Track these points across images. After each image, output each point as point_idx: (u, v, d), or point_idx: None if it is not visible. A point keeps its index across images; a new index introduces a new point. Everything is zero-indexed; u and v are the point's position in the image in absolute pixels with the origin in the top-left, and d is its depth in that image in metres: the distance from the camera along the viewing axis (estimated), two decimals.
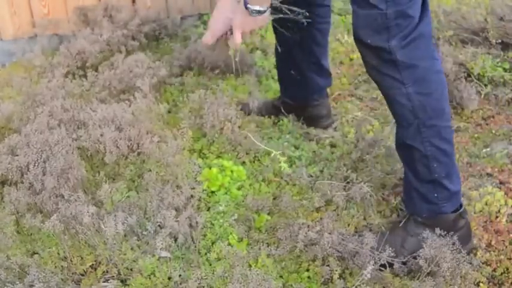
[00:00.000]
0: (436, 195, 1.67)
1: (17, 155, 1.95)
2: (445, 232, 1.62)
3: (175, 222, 1.73)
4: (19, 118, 2.26)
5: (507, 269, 1.70)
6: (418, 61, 1.57)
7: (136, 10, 3.11)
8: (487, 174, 2.11)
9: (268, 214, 1.90)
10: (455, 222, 1.70)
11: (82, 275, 1.68)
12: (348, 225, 1.85)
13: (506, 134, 2.35)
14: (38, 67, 2.81)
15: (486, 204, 1.92)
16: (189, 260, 1.72)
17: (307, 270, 1.68)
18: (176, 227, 1.73)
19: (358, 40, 1.60)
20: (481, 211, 1.91)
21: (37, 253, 1.73)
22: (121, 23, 2.96)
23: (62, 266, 1.67)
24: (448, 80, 2.48)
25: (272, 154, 2.08)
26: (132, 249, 1.70)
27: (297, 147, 2.26)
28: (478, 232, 1.82)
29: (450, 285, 1.60)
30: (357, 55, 3.02)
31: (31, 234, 1.80)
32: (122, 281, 1.66)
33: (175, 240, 1.75)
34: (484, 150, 2.26)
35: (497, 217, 1.89)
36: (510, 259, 1.73)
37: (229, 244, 1.76)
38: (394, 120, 1.73)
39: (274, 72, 2.68)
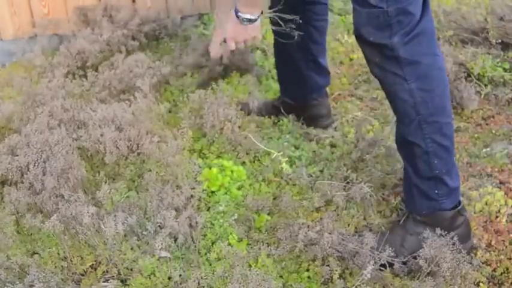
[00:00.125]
0: (436, 191, 1.67)
1: (17, 155, 1.95)
2: (444, 230, 1.62)
3: (175, 222, 1.73)
4: (19, 118, 2.26)
5: (507, 269, 1.70)
6: (420, 57, 1.57)
7: (136, 10, 3.11)
8: (487, 174, 2.11)
9: (268, 214, 1.90)
10: (453, 219, 1.70)
11: (82, 275, 1.68)
12: (348, 225, 1.85)
13: (506, 134, 2.35)
14: (38, 67, 2.81)
15: (486, 204, 1.92)
16: (189, 260, 1.72)
17: (307, 270, 1.68)
18: (176, 227, 1.73)
19: (360, 38, 1.61)
20: (481, 211, 1.91)
21: (37, 253, 1.73)
22: (121, 23, 2.96)
23: (62, 266, 1.67)
24: (448, 80, 2.49)
25: (274, 155, 2.09)
26: (132, 249, 1.70)
27: (297, 147, 2.26)
28: (478, 232, 1.82)
29: (450, 285, 1.60)
30: (357, 55, 3.02)
31: (31, 234, 1.80)
32: (122, 281, 1.66)
33: (175, 240, 1.75)
34: (484, 150, 2.26)
35: (497, 217, 1.89)
36: (510, 259, 1.73)
37: (229, 244, 1.76)
38: (394, 120, 1.74)
39: (274, 72, 2.68)
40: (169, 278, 1.64)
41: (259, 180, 2.06)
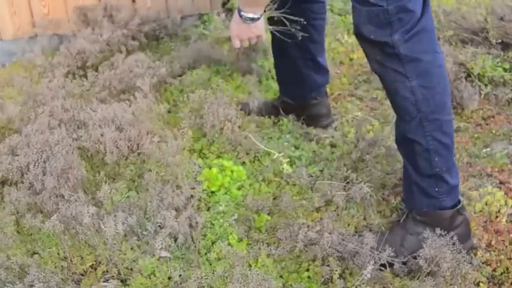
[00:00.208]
0: (436, 189, 1.67)
1: (18, 155, 1.95)
2: (444, 230, 1.63)
3: (175, 222, 1.73)
4: (20, 118, 2.26)
5: (507, 269, 1.70)
6: (421, 55, 1.58)
7: (136, 10, 3.11)
8: (487, 174, 2.11)
9: (268, 214, 1.90)
10: (453, 219, 1.70)
11: (82, 275, 1.68)
12: (348, 225, 1.85)
13: (506, 134, 2.35)
14: (38, 67, 2.81)
15: (486, 204, 1.92)
16: (189, 260, 1.72)
17: (307, 270, 1.68)
18: (176, 227, 1.73)
19: (360, 36, 1.62)
20: (481, 211, 1.91)
21: (37, 253, 1.73)
22: (121, 22, 2.96)
23: (62, 266, 1.67)
24: (448, 80, 2.49)
25: (275, 156, 2.09)
26: (132, 249, 1.70)
27: (297, 147, 2.26)
28: (478, 232, 1.82)
29: (450, 285, 1.60)
30: (356, 55, 3.02)
31: (31, 234, 1.80)
32: (122, 281, 1.66)
33: (175, 240, 1.75)
34: (484, 150, 2.26)
35: (497, 217, 1.89)
36: (510, 259, 1.73)
37: (229, 244, 1.76)
38: (394, 120, 1.74)
39: (274, 72, 2.68)
40: (169, 278, 1.64)
41: (259, 180, 2.06)
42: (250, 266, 1.67)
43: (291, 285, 1.65)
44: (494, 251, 1.76)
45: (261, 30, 1.94)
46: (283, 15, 1.99)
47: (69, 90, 2.49)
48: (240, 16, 1.84)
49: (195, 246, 1.75)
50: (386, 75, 1.64)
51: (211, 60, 2.88)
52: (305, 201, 1.94)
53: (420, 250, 1.60)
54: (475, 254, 1.73)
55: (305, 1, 2.12)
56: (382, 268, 1.64)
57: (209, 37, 3.11)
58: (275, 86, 2.66)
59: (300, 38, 2.05)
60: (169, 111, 2.46)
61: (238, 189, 2.01)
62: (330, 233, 1.69)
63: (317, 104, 2.36)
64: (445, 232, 1.62)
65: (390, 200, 1.96)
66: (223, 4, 3.43)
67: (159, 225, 1.76)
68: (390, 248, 1.60)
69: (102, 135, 2.02)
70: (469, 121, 2.46)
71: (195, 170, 2.04)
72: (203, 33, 3.17)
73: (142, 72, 2.54)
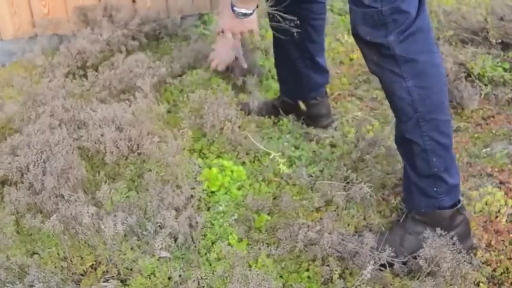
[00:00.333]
0: (435, 189, 1.67)
1: (18, 155, 1.95)
2: (443, 229, 1.63)
3: (175, 222, 1.73)
4: (20, 118, 2.26)
5: (507, 269, 1.70)
6: (417, 55, 1.58)
7: (136, 10, 3.11)
8: (487, 174, 2.11)
9: (268, 214, 1.90)
10: (452, 218, 1.70)
11: (82, 275, 1.68)
12: (348, 225, 1.85)
13: (506, 134, 2.35)
14: (38, 67, 2.81)
15: (486, 204, 1.92)
16: (189, 260, 1.72)
17: (307, 270, 1.68)
18: (176, 227, 1.73)
19: (357, 37, 1.63)
20: (481, 211, 1.91)
21: (37, 253, 1.73)
22: (121, 22, 2.96)
23: (62, 266, 1.67)
24: (448, 80, 2.49)
25: (271, 155, 2.09)
26: (132, 249, 1.70)
27: (297, 147, 2.26)
28: (478, 232, 1.82)
29: (450, 285, 1.60)
30: (356, 55, 3.02)
31: (31, 234, 1.80)
32: (122, 281, 1.66)
33: (175, 240, 1.75)
34: (484, 150, 2.26)
35: (497, 217, 1.89)
36: (510, 259, 1.73)
37: (229, 244, 1.76)
38: (394, 120, 1.74)
39: (274, 72, 2.68)
40: (169, 278, 1.64)
41: (259, 180, 2.06)
42: (250, 266, 1.67)
43: (291, 285, 1.65)
44: (494, 251, 1.76)
45: (254, 25, 1.94)
46: (277, 12, 1.99)
47: (69, 90, 2.49)
48: (233, 11, 1.85)
49: (195, 246, 1.75)
50: (383, 76, 1.65)
51: (211, 60, 2.88)
52: (305, 201, 1.94)
53: (420, 250, 1.60)
54: (475, 254, 1.73)
55: (304, 1, 2.12)
56: (382, 268, 1.64)
57: (209, 37, 3.11)
58: (275, 86, 2.66)
59: (295, 35, 2.05)
60: (169, 111, 2.46)
61: (238, 189, 2.01)
62: (330, 233, 1.69)
63: (317, 104, 2.36)
64: (445, 232, 1.62)
65: (390, 200, 1.96)
66: None
67: (159, 225, 1.76)
68: (390, 248, 1.60)
69: (102, 135, 2.02)
70: (469, 121, 2.46)
71: (195, 170, 2.04)
72: (203, 33, 3.17)
73: (142, 72, 2.54)
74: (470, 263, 1.65)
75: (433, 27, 3.01)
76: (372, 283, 1.61)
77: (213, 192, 2.00)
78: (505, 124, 2.42)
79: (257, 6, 1.86)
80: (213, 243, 1.79)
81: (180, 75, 2.77)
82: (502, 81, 2.61)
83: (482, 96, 2.56)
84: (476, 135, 2.37)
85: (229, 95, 2.42)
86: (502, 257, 1.74)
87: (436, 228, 1.65)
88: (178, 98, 2.56)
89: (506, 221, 1.88)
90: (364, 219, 1.89)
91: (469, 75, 2.60)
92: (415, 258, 1.64)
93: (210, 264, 1.70)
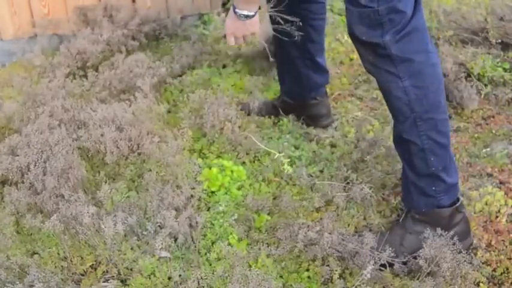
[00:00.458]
0: (434, 188, 1.68)
1: (18, 155, 1.95)
2: (443, 228, 1.63)
3: (175, 222, 1.73)
4: (20, 118, 2.26)
5: (507, 269, 1.70)
6: (413, 55, 1.58)
7: (136, 10, 3.11)
8: (487, 174, 2.11)
9: (268, 214, 1.90)
10: (452, 217, 1.71)
11: (82, 275, 1.68)
12: (348, 225, 1.85)
13: (506, 134, 2.35)
14: (38, 67, 2.81)
15: (486, 204, 1.92)
16: (189, 260, 1.72)
17: (307, 270, 1.68)
18: (176, 227, 1.73)
19: (353, 37, 1.63)
20: (481, 211, 1.91)
21: (37, 253, 1.73)
22: (121, 22, 2.96)
23: (62, 266, 1.67)
24: (448, 80, 2.49)
25: (276, 156, 2.08)
26: (132, 249, 1.70)
27: (297, 147, 2.26)
28: (478, 232, 1.82)
29: (450, 285, 1.60)
30: (356, 55, 3.01)
31: (31, 234, 1.80)
32: (122, 281, 1.66)
33: (175, 240, 1.75)
34: (484, 150, 2.26)
35: (497, 217, 1.89)
36: (510, 259, 1.73)
37: (229, 244, 1.76)
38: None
39: (274, 72, 2.68)
40: (169, 278, 1.64)
41: (259, 180, 2.06)
42: (250, 266, 1.67)
43: (291, 285, 1.65)
44: (494, 251, 1.76)
45: (256, 28, 1.94)
46: (279, 14, 1.99)
47: (69, 90, 2.49)
48: (235, 13, 1.85)
49: (195, 246, 1.75)
50: (380, 76, 1.65)
51: (211, 60, 2.88)
52: (305, 201, 1.94)
53: (420, 250, 1.60)
54: (475, 254, 1.73)
55: (304, 1, 2.12)
56: (382, 268, 1.65)
57: (209, 37, 3.12)
58: (275, 86, 2.66)
59: (297, 37, 2.05)
60: (169, 111, 2.46)
61: (238, 189, 2.01)
62: (330, 233, 1.69)
63: (317, 104, 2.36)
64: (445, 230, 1.63)
65: (390, 200, 1.96)
66: (223, 4, 3.42)
67: (159, 225, 1.76)
68: (390, 248, 1.60)
69: (102, 135, 2.02)
70: (469, 121, 2.46)
71: (195, 170, 2.04)
72: (203, 33, 3.17)
73: (142, 72, 2.54)
74: (470, 263, 1.65)
75: (433, 27, 3.02)
76: (372, 283, 1.61)
77: (213, 192, 2.00)
78: (505, 124, 2.42)
79: (259, 8, 1.86)
80: (213, 243, 1.79)
81: (180, 75, 2.77)
82: (502, 81, 2.61)
83: (482, 96, 2.56)
84: (476, 135, 2.37)
85: (229, 95, 2.41)
86: (502, 257, 1.74)
87: (435, 227, 1.65)
88: (178, 98, 2.56)
89: (506, 221, 1.88)
90: (364, 219, 1.89)
91: (469, 75, 2.60)
92: (415, 258, 1.64)
93: (210, 264, 1.70)
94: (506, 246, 1.78)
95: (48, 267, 1.64)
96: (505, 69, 2.63)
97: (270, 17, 2.08)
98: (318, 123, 2.38)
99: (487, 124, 2.44)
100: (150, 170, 1.98)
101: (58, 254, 1.70)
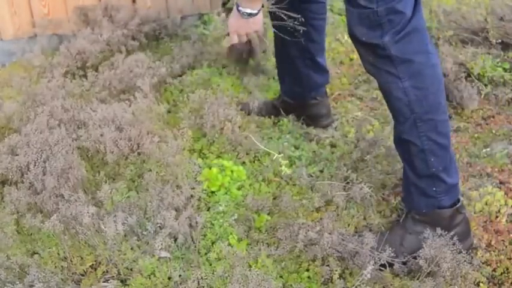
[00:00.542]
0: (434, 189, 1.68)
1: (17, 155, 1.95)
2: (443, 229, 1.63)
3: (175, 222, 1.73)
4: (19, 118, 2.26)
5: (507, 269, 1.70)
6: (412, 55, 1.58)
7: (136, 10, 3.11)
8: (487, 174, 2.11)
9: (268, 214, 1.90)
10: (452, 217, 1.71)
11: (82, 275, 1.68)
12: (348, 225, 1.85)
13: (506, 134, 2.35)
14: (38, 67, 2.81)
15: (486, 204, 1.92)
16: (189, 260, 1.72)
17: (307, 270, 1.68)
18: (176, 227, 1.73)
19: (353, 37, 1.63)
20: (481, 211, 1.91)
21: (37, 253, 1.73)
22: (121, 22, 2.96)
23: (62, 266, 1.67)
24: (448, 80, 2.49)
25: (274, 157, 2.08)
26: (132, 249, 1.70)
27: (297, 147, 2.26)
28: (478, 232, 1.82)
29: (450, 285, 1.60)
30: (357, 55, 3.01)
31: (31, 234, 1.80)
32: (122, 281, 1.66)
33: (175, 240, 1.75)
34: (484, 150, 2.26)
35: (497, 217, 1.89)
36: (510, 259, 1.73)
37: (229, 244, 1.76)
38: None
39: (275, 72, 2.68)
40: (169, 278, 1.64)
41: (259, 180, 2.06)
42: (250, 266, 1.67)
43: (291, 285, 1.65)
44: (494, 251, 1.76)
45: (259, 26, 1.94)
46: (282, 11, 1.98)
47: (69, 90, 2.49)
48: (238, 11, 1.85)
49: (195, 246, 1.75)
50: (380, 77, 1.65)
51: (211, 60, 2.88)
52: (305, 201, 1.94)
53: (420, 250, 1.60)
54: (475, 254, 1.73)
55: (304, 1, 2.12)
56: (382, 268, 1.64)
57: (209, 37, 3.11)
58: (275, 86, 2.66)
59: (301, 35, 2.05)
60: (169, 111, 2.46)
61: (238, 189, 2.01)
62: (330, 233, 1.69)
63: (317, 104, 2.36)
64: (445, 231, 1.63)
65: (390, 200, 1.96)
66: (223, 4, 3.43)
67: (159, 225, 1.76)
68: (390, 248, 1.60)
69: (102, 135, 2.02)
70: (469, 121, 2.46)
71: (195, 170, 2.04)
72: (203, 33, 3.17)
73: (142, 72, 2.54)
74: (470, 263, 1.65)
75: (433, 27, 3.02)
76: (372, 283, 1.61)
77: (213, 192, 2.00)
78: (505, 124, 2.42)
79: (262, 6, 1.86)
80: (213, 243, 1.79)
81: (180, 75, 2.77)
82: (502, 81, 2.61)
83: (482, 96, 2.56)
84: (476, 135, 2.37)
85: (229, 95, 2.41)
86: (502, 257, 1.74)
87: (436, 227, 1.65)
88: (178, 98, 2.56)
89: (506, 221, 1.88)
90: (364, 219, 1.89)
91: (469, 75, 2.60)
92: (415, 258, 1.64)
93: (210, 264, 1.70)
94: (506, 246, 1.78)
95: (48, 267, 1.64)
96: (505, 69, 2.63)
97: (271, 13, 2.08)
98: (318, 123, 2.38)
99: (487, 124, 2.44)
100: (150, 170, 1.98)
101: (58, 254, 1.70)
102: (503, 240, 1.80)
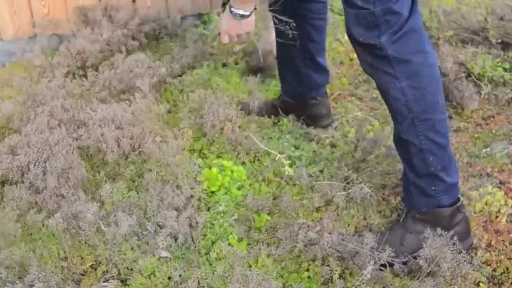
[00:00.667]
0: (433, 188, 1.68)
1: (18, 155, 1.95)
2: (443, 228, 1.63)
3: (175, 222, 1.73)
4: (19, 118, 2.26)
5: (507, 269, 1.70)
6: (409, 56, 1.59)
7: (136, 10, 3.11)
8: (487, 174, 2.11)
9: (268, 214, 1.90)
10: (452, 217, 1.71)
11: (82, 275, 1.68)
12: (348, 225, 1.85)
13: (506, 134, 2.35)
14: (38, 67, 2.81)
15: (486, 204, 1.92)
16: (189, 260, 1.72)
17: (307, 270, 1.68)
18: (176, 227, 1.73)
19: (351, 38, 1.64)
20: (481, 211, 1.91)
21: (37, 252, 1.72)
22: (121, 22, 2.96)
23: (62, 266, 1.67)
24: (448, 80, 2.49)
25: (276, 157, 2.08)
26: (132, 249, 1.70)
27: (297, 147, 2.26)
28: (478, 232, 1.82)
29: (450, 285, 1.61)
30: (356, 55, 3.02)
31: (31, 233, 1.80)
32: (121, 281, 1.66)
33: (175, 240, 1.75)
34: (484, 150, 2.26)
35: (497, 217, 1.89)
36: (510, 259, 1.73)
37: (229, 244, 1.76)
38: None
39: (275, 71, 2.68)
40: (169, 278, 1.64)
41: (259, 180, 2.06)
42: (250, 266, 1.67)
43: (291, 285, 1.65)
44: (494, 251, 1.76)
45: (251, 27, 1.94)
46: (274, 14, 1.98)
47: (69, 90, 2.49)
48: (231, 12, 1.85)
49: (195, 246, 1.75)
50: (377, 77, 1.66)
51: (211, 60, 2.88)
52: (305, 201, 1.94)
53: (420, 250, 1.60)
54: (475, 254, 1.73)
55: (305, 1, 2.12)
56: (382, 268, 1.65)
57: (209, 37, 3.11)
58: (275, 85, 2.66)
59: (290, 36, 2.04)
60: (169, 111, 2.46)
61: (238, 189, 2.01)
62: (330, 233, 1.69)
63: (317, 104, 2.36)
64: (445, 230, 1.63)
65: (390, 200, 1.96)
66: (223, 4, 3.42)
67: (159, 225, 1.76)
68: (390, 248, 1.60)
69: (102, 135, 2.02)
70: (469, 121, 2.46)
71: (195, 170, 2.04)
72: (203, 33, 3.17)
73: (142, 72, 2.54)
74: (471, 263, 1.65)
75: (433, 27, 3.01)
76: (372, 283, 1.61)
77: (213, 192, 2.00)
78: (505, 124, 2.42)
79: (255, 8, 1.86)
80: (213, 243, 1.79)
81: (180, 75, 2.77)
82: (502, 81, 2.61)
83: (482, 96, 2.56)
84: (476, 135, 2.37)
85: (229, 95, 2.41)
86: (502, 257, 1.74)
87: (436, 226, 1.65)
88: (178, 98, 2.56)
89: (506, 221, 1.88)
90: (364, 219, 1.89)
91: (469, 75, 2.60)
92: (415, 258, 1.64)
93: (210, 264, 1.70)
94: (506, 246, 1.78)
95: (48, 267, 1.64)
96: (505, 69, 2.63)
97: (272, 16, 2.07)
98: (318, 123, 2.38)
99: (487, 124, 2.44)
100: (150, 170, 1.98)
101: (58, 253, 1.70)
102: (503, 240, 1.80)
